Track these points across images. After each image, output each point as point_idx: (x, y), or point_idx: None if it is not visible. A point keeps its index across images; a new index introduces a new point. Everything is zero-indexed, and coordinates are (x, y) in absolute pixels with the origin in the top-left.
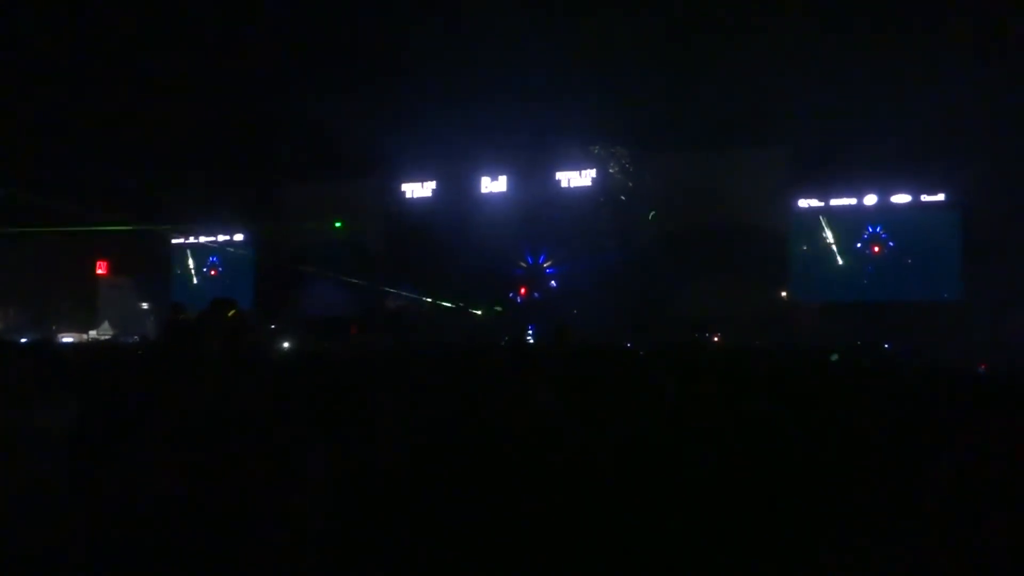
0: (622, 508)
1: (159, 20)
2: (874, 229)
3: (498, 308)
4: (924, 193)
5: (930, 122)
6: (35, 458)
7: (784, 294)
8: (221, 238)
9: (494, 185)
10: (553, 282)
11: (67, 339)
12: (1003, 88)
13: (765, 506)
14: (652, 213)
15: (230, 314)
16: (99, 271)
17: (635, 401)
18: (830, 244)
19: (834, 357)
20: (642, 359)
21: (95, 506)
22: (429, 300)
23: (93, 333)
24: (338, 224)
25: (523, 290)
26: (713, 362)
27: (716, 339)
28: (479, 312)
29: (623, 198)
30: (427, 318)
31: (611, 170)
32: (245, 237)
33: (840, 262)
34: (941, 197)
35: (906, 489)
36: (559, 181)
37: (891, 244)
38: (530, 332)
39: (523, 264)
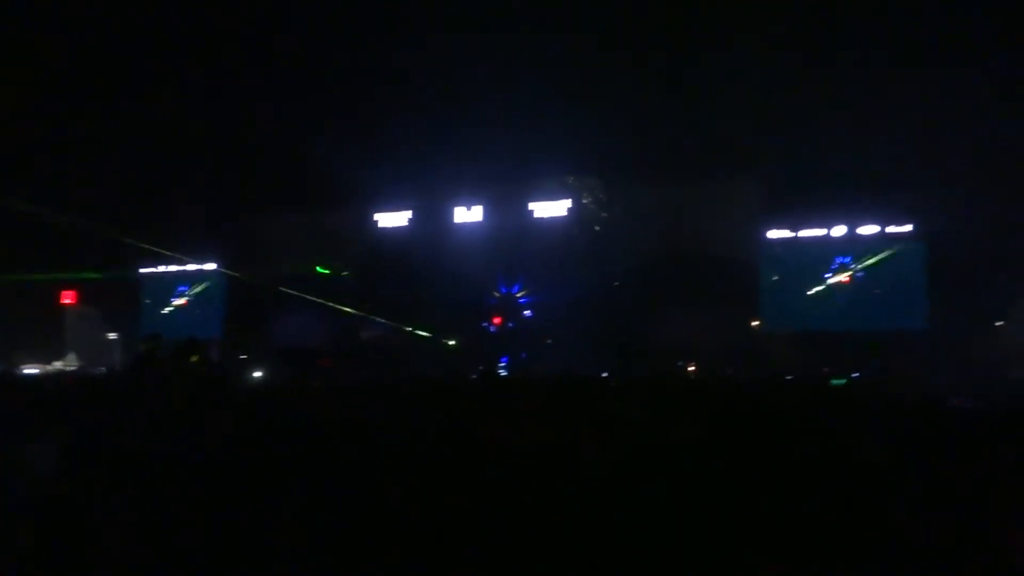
0: (596, 536)
1: (131, 46)
2: (843, 259)
3: (451, 342)
4: (891, 224)
5: (897, 155)
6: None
7: (756, 323)
8: (191, 268)
9: (469, 215)
10: (527, 311)
11: (31, 371)
12: (967, 122)
13: (738, 539)
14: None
15: (193, 359)
16: (65, 301)
17: (609, 436)
18: (800, 274)
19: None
20: (617, 390)
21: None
22: (403, 330)
23: (58, 364)
24: (320, 270)
25: (497, 319)
26: (691, 393)
27: (691, 368)
28: (453, 343)
29: (597, 228)
30: (400, 348)
31: (585, 200)
32: (217, 266)
33: (810, 292)
34: (908, 228)
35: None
36: (533, 211)
37: (859, 274)
38: (502, 364)
39: (497, 294)
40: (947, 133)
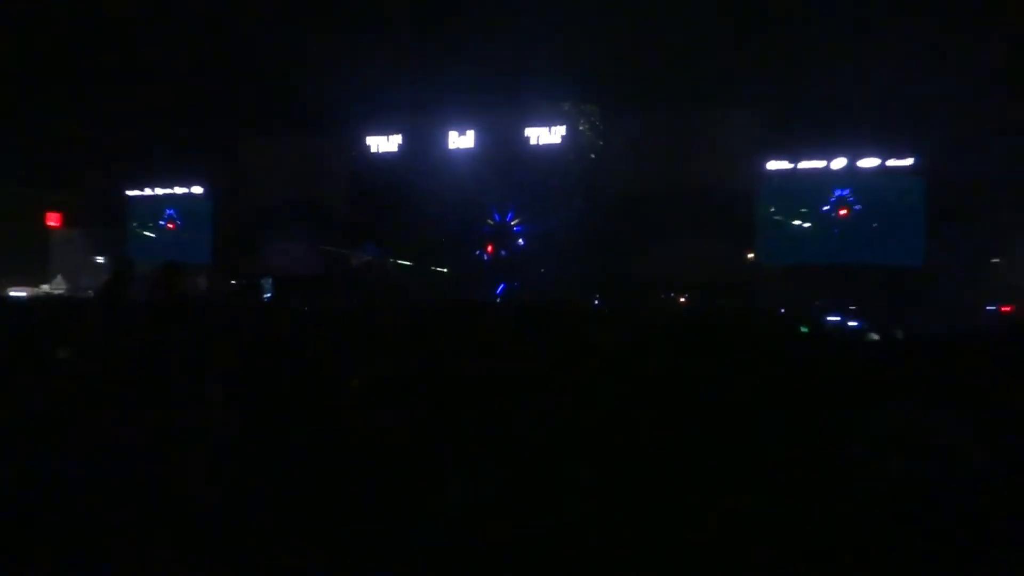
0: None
1: None
2: (842, 192)
3: (443, 269)
4: (892, 157)
5: (900, 86)
6: None
7: (751, 256)
8: (179, 191)
9: (461, 140)
10: (521, 240)
11: (18, 293)
12: (970, 53)
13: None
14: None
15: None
16: (51, 223)
17: (598, 362)
18: (797, 207)
19: (803, 329)
20: (609, 317)
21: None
22: (393, 259)
23: (46, 287)
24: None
25: (490, 248)
26: (677, 323)
27: (682, 300)
28: (445, 271)
29: (593, 156)
30: (393, 277)
31: (581, 128)
32: (204, 190)
33: (807, 225)
34: (909, 162)
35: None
36: (528, 138)
37: (858, 207)
38: (498, 293)
39: (490, 222)
40: (953, 63)
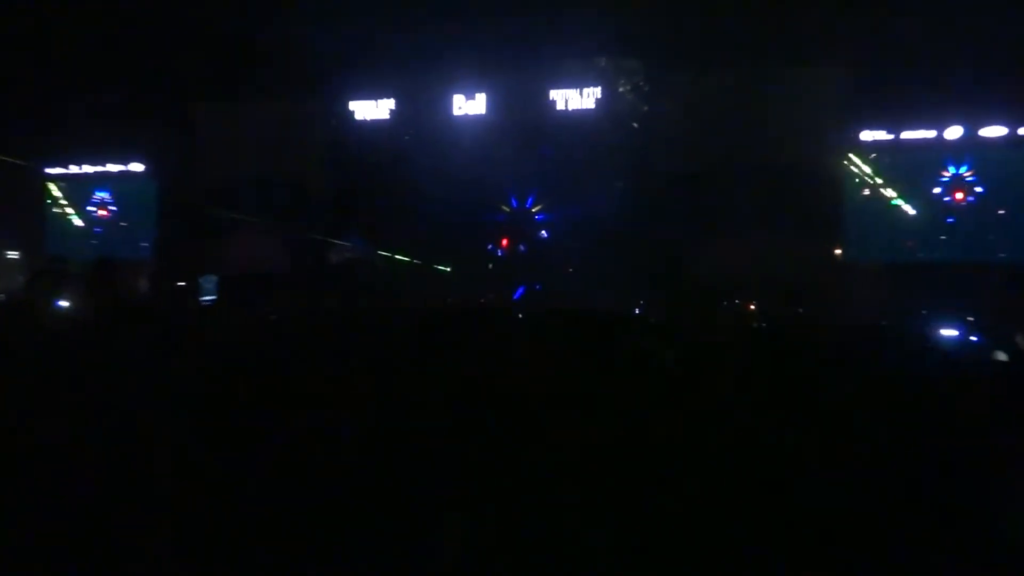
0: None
1: None
2: (957, 170)
3: (446, 268)
4: None
5: None
6: None
7: (838, 252)
8: (113, 168)
9: (469, 106)
10: (544, 231)
11: None
12: None
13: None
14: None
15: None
16: None
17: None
18: (900, 189)
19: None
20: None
21: None
22: (385, 254)
23: None
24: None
25: (505, 241)
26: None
27: (751, 307)
28: (448, 270)
29: (635, 125)
30: (383, 276)
31: (621, 89)
32: (146, 168)
33: (912, 212)
34: None
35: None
36: (554, 102)
37: (979, 189)
38: (516, 297)
39: (506, 208)
40: None
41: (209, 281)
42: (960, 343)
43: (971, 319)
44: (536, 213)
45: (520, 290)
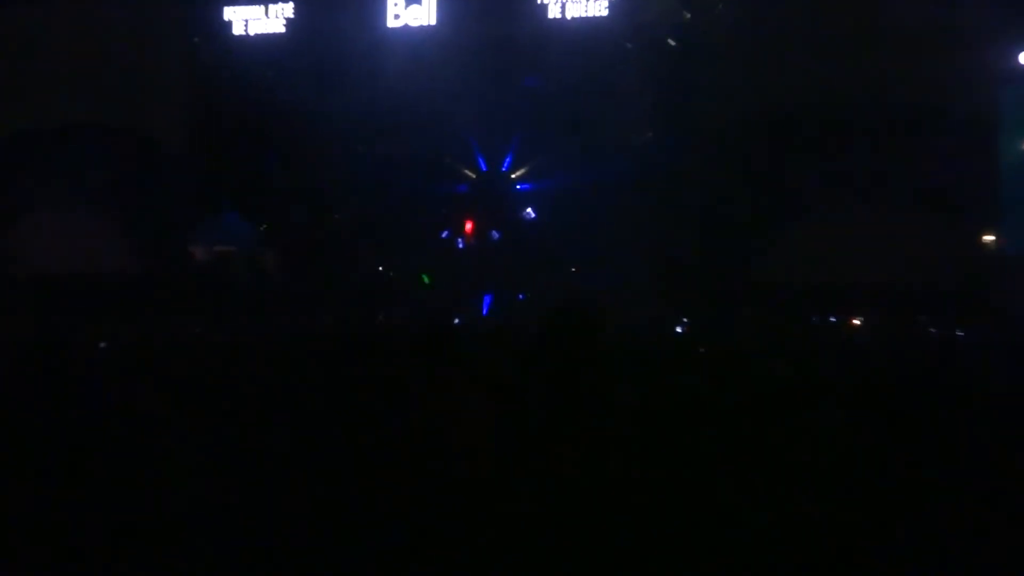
0: None
1: None
2: None
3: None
4: None
5: None
6: None
7: (990, 239)
8: None
9: (411, 13)
10: (528, 209)
11: None
12: None
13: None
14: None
15: None
16: None
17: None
18: None
19: None
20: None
21: None
22: (273, 249)
23: None
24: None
25: (469, 225)
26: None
27: (856, 322)
28: (380, 270)
29: (672, 44)
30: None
31: None
32: None
33: None
34: None
35: None
36: (544, 6)
37: None
38: (484, 308)
39: (470, 174)
40: None
41: None
42: None
43: None
44: (516, 181)
45: (488, 299)
